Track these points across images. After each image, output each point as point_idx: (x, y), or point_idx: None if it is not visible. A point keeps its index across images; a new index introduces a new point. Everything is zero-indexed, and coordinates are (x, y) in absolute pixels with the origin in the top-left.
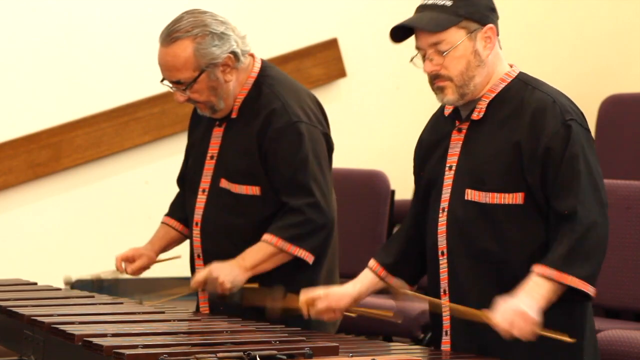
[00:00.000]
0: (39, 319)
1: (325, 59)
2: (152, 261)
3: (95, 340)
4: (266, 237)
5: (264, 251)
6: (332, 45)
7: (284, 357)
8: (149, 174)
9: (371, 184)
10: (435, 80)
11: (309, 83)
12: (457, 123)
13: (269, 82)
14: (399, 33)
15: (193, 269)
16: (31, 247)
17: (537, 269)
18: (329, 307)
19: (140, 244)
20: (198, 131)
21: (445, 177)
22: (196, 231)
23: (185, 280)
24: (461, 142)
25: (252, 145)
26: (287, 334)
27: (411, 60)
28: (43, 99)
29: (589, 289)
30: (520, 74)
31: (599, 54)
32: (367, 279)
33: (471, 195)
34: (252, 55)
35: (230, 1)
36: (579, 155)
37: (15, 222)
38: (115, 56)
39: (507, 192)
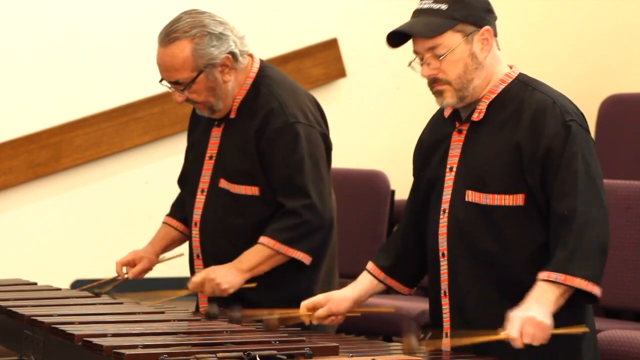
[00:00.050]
0: (39, 319)
1: (325, 59)
2: (153, 263)
3: (95, 340)
4: (263, 239)
5: (261, 254)
6: (332, 45)
7: (284, 357)
8: (149, 174)
9: (371, 184)
10: (434, 84)
11: (309, 83)
12: (457, 124)
13: (267, 82)
14: (396, 38)
15: (192, 269)
16: (31, 247)
17: (542, 275)
18: (330, 312)
19: (141, 244)
20: (197, 131)
21: (445, 178)
22: (195, 231)
23: (184, 281)
24: (461, 144)
25: (250, 145)
26: (287, 334)
27: (409, 64)
28: (43, 99)
29: (595, 290)
30: (520, 74)
31: (599, 54)
32: (366, 281)
33: (472, 196)
34: (250, 56)
35: (230, 1)
36: (578, 156)
37: (15, 222)
38: (115, 56)
39: (507, 193)
